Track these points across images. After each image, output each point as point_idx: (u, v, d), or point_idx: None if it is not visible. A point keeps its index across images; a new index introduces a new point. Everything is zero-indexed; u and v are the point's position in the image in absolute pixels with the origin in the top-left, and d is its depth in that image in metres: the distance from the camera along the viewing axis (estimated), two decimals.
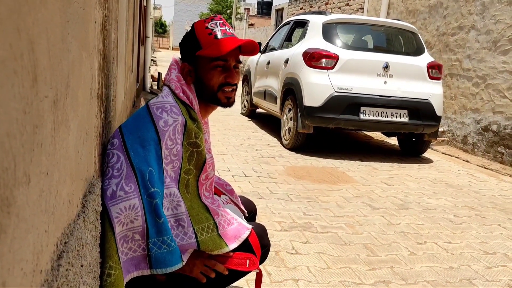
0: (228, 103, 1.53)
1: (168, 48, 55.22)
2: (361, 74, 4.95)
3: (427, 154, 5.76)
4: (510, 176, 4.96)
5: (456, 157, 5.80)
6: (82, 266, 0.86)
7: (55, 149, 0.65)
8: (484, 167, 5.31)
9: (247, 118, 7.48)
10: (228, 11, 39.64)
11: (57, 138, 0.65)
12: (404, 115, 5.00)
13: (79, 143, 0.86)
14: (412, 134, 5.45)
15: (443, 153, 6.03)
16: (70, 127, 0.76)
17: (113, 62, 1.91)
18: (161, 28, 65.19)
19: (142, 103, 5.54)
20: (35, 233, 0.58)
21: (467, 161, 5.58)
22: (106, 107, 1.66)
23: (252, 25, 22.74)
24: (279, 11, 16.34)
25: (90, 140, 1.04)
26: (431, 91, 5.12)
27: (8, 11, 0.42)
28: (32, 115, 0.52)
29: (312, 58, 4.97)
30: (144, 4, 8.41)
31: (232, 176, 3.93)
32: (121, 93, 2.72)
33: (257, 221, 2.90)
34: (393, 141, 6.40)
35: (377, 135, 6.79)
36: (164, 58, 27.58)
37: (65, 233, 0.77)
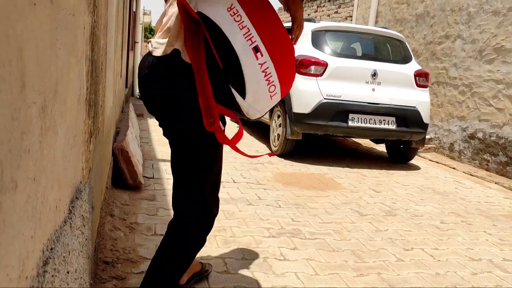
0: None
1: None
2: (349, 81, 4.99)
3: (415, 161, 5.82)
4: (495, 183, 5.03)
5: (443, 164, 5.87)
6: (68, 272, 0.86)
7: (43, 154, 0.65)
8: (470, 174, 5.38)
9: (236, 124, 7.48)
10: None
11: (44, 144, 0.65)
12: (392, 122, 5.05)
13: (66, 149, 0.86)
14: (400, 141, 5.50)
15: (430, 160, 6.09)
16: (58, 133, 0.76)
17: (101, 68, 1.91)
18: (150, 34, 65.02)
19: (131, 108, 5.52)
20: (21, 239, 0.57)
21: (454, 168, 5.64)
22: (95, 113, 1.66)
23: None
24: None
25: (78, 145, 1.04)
26: (418, 99, 5.19)
27: None
28: (20, 121, 0.52)
29: (301, 65, 5.00)
30: (134, 9, 8.39)
31: (221, 182, 3.93)
32: (110, 99, 2.71)
33: (245, 227, 2.90)
34: (381, 148, 6.45)
35: (365, 142, 6.84)
36: None
37: (51, 239, 0.76)
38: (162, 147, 5.06)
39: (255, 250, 2.59)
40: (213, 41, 1.32)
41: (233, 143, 1.47)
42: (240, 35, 1.33)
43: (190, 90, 1.37)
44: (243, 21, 1.35)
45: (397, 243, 2.94)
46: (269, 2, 1.45)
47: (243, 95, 1.39)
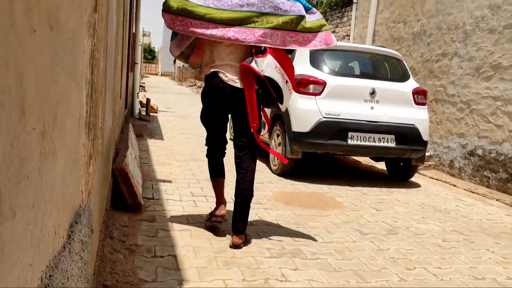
0: None
1: (156, 74, 55.47)
2: (348, 100, 5.02)
3: (415, 178, 5.81)
4: (496, 200, 5.01)
5: (443, 181, 5.85)
6: None
7: (42, 181, 0.64)
8: (471, 191, 5.36)
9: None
10: None
11: (44, 170, 0.65)
12: (391, 140, 5.06)
13: (66, 173, 0.85)
14: (400, 159, 5.49)
15: (430, 177, 6.08)
16: (57, 157, 0.75)
17: (101, 90, 1.91)
18: (149, 54, 65.62)
19: (131, 129, 5.52)
20: (19, 268, 0.56)
21: (454, 185, 5.63)
22: (94, 135, 1.65)
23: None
24: None
25: (77, 169, 1.04)
26: (417, 117, 5.21)
27: None
28: (20, 148, 0.52)
29: (300, 84, 5.03)
30: (133, 31, 8.48)
31: None
32: (109, 120, 2.71)
33: (246, 247, 2.87)
34: (381, 165, 6.44)
35: (365, 160, 6.83)
36: (152, 84, 27.69)
37: (50, 265, 0.75)
38: (161, 167, 5.05)
39: (256, 271, 2.56)
40: (270, 85, 2.84)
41: (264, 146, 3.20)
42: (282, 80, 2.82)
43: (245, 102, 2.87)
44: (282, 71, 2.82)
45: (399, 262, 2.90)
46: (284, 51, 2.91)
47: (281, 103, 2.96)
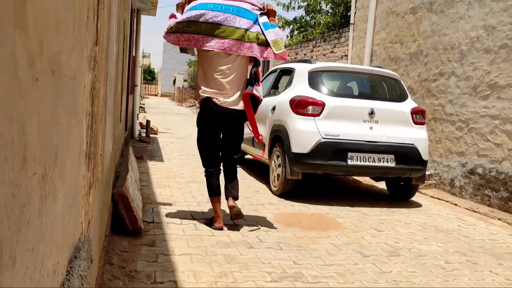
0: None
1: (156, 95, 55.77)
2: (347, 120, 5.04)
3: (416, 198, 5.79)
4: (498, 219, 4.99)
5: (444, 200, 5.83)
6: None
7: (42, 223, 0.65)
8: (473, 210, 5.34)
9: None
10: None
11: (44, 212, 0.66)
12: (391, 159, 5.06)
13: (65, 210, 0.86)
14: (400, 179, 5.49)
15: (431, 196, 6.06)
16: (58, 197, 0.76)
17: (101, 118, 1.93)
18: (149, 75, 66.10)
19: (131, 151, 5.53)
20: None
21: (456, 205, 5.61)
22: (94, 164, 1.66)
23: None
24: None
25: (77, 203, 1.04)
26: (416, 136, 5.22)
27: (0, 103, 0.43)
28: (20, 196, 0.53)
29: (299, 106, 5.06)
30: (133, 54, 8.58)
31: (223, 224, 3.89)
32: (109, 146, 2.73)
33: (247, 271, 2.85)
34: (382, 185, 6.43)
35: (365, 180, 6.82)
36: (152, 105, 27.82)
37: None
38: (161, 190, 5.04)
39: None
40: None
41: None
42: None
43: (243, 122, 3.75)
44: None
45: (402, 285, 2.88)
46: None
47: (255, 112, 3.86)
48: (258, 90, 3.65)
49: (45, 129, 0.64)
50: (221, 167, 3.88)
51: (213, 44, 3.48)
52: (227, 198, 3.81)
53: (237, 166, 4.05)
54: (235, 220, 3.84)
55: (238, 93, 3.65)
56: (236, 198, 3.80)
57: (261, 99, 3.72)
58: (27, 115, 0.53)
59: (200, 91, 3.65)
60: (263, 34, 3.58)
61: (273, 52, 3.57)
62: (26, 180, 0.55)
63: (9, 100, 0.46)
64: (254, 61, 3.72)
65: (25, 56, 0.50)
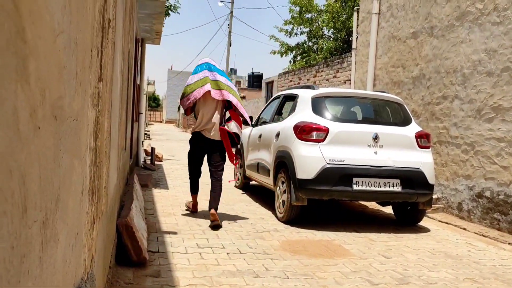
0: None
1: (161, 121, 56.17)
2: (351, 145, 5.03)
3: (424, 222, 5.71)
4: (508, 243, 4.90)
5: (453, 224, 5.75)
6: None
7: (42, 269, 0.64)
8: (482, 235, 5.25)
9: (240, 191, 7.45)
10: None
11: (44, 258, 0.65)
12: (397, 184, 5.03)
13: (67, 252, 0.85)
14: (407, 203, 5.43)
15: (439, 220, 5.98)
16: (59, 240, 0.75)
17: (105, 151, 1.94)
18: (154, 102, 66.75)
19: (136, 180, 5.53)
20: None
21: (464, 229, 5.53)
22: (98, 198, 1.66)
23: (243, 97, 23.41)
24: (269, 84, 16.89)
25: (79, 242, 1.03)
26: (421, 160, 5.19)
27: (0, 159, 0.43)
28: (20, 247, 0.52)
29: (303, 131, 5.07)
30: (138, 82, 8.68)
31: (227, 253, 3.85)
32: (114, 177, 2.73)
33: None
34: (388, 210, 6.36)
35: (372, 204, 6.76)
36: (157, 132, 27.99)
37: None
38: (166, 218, 5.01)
39: None
40: (237, 138, 5.15)
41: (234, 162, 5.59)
42: (240, 132, 5.16)
43: (223, 148, 5.07)
44: (239, 127, 5.12)
45: None
46: (237, 114, 5.17)
47: (239, 142, 5.28)
48: (229, 126, 5.06)
49: (46, 174, 0.64)
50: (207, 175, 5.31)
51: (201, 93, 4.90)
52: (209, 209, 4.85)
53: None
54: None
55: (217, 127, 5.04)
56: (216, 209, 4.88)
57: (233, 132, 5.06)
58: (27, 165, 0.53)
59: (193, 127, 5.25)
60: (230, 86, 5.10)
61: (236, 99, 5.03)
62: (26, 229, 0.55)
63: (10, 153, 0.46)
64: (228, 103, 5.07)
65: (27, 108, 0.50)
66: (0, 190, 0.44)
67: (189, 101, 4.93)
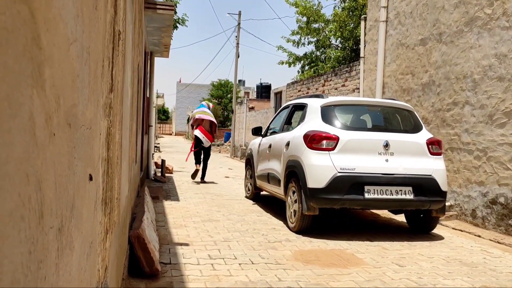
0: None
1: (171, 134, 56.50)
2: (362, 154, 5.00)
3: (437, 230, 5.64)
4: None
5: (467, 232, 5.67)
6: None
7: (59, 276, 0.64)
8: (498, 242, 5.16)
9: (251, 202, 7.44)
10: (229, 95, 41.17)
11: (60, 265, 0.65)
12: (409, 192, 4.98)
13: (82, 260, 0.85)
14: (420, 211, 5.37)
15: (453, 228, 5.90)
16: (74, 247, 0.75)
17: (117, 162, 1.95)
18: (163, 115, 67.20)
19: (146, 192, 5.55)
20: None
21: (479, 236, 5.44)
22: (110, 209, 1.66)
23: (252, 108, 23.48)
24: (278, 94, 16.94)
25: (93, 251, 1.04)
26: (433, 167, 5.14)
27: (17, 163, 0.44)
28: (37, 252, 0.52)
29: (313, 140, 5.06)
30: (148, 95, 8.75)
31: (239, 264, 3.83)
32: (125, 188, 2.74)
33: None
34: (401, 218, 6.30)
35: (384, 212, 6.70)
36: (167, 144, 28.11)
37: None
38: (178, 230, 5.01)
39: None
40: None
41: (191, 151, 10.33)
42: (203, 136, 9.82)
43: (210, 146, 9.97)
44: (204, 135, 9.96)
45: None
46: (209, 124, 10.00)
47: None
48: (196, 133, 9.50)
49: (61, 181, 0.64)
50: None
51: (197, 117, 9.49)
52: (201, 179, 9.62)
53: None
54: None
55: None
56: (203, 178, 9.62)
57: (199, 137, 9.43)
58: (43, 171, 0.53)
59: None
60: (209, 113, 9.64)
61: (209, 116, 9.56)
62: (43, 235, 0.55)
63: (26, 158, 0.47)
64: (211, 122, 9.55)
65: (42, 114, 0.51)
66: (18, 195, 0.44)
67: (194, 119, 9.60)
